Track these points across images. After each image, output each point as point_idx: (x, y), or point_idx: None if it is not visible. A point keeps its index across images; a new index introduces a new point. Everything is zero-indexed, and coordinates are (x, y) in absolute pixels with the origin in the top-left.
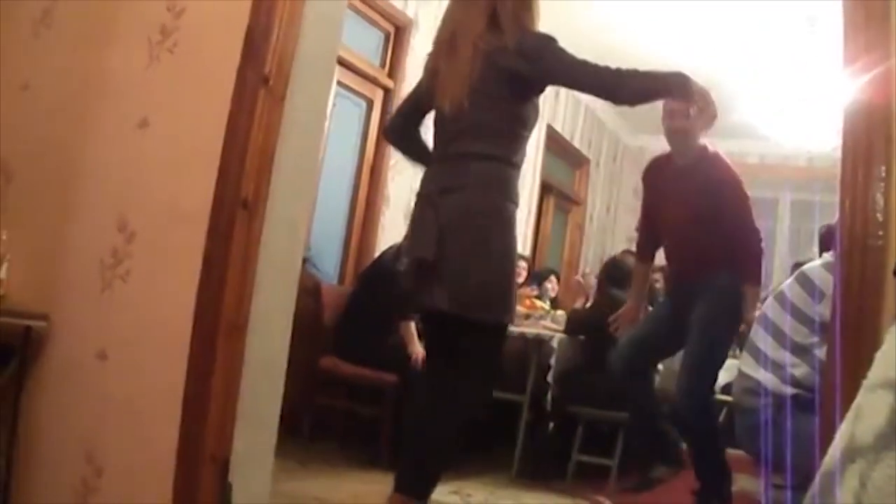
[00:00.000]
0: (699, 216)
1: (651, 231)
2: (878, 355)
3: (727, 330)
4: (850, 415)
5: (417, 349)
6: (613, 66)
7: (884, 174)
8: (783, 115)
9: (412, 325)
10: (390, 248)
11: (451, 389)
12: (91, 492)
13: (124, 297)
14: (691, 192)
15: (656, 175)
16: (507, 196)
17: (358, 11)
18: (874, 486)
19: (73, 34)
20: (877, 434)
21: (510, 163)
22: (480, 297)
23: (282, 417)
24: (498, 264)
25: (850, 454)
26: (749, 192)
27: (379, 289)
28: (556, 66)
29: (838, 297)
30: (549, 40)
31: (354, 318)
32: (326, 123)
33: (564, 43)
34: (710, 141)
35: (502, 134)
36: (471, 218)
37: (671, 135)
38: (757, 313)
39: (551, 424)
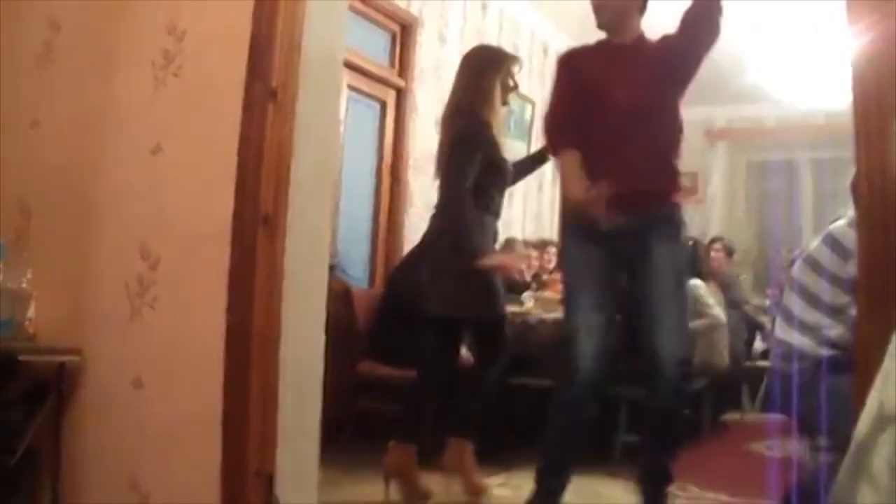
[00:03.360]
0: (654, 104)
1: (576, 121)
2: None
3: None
4: (877, 382)
5: None
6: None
7: None
8: (794, 75)
9: None
10: (416, 246)
11: None
12: None
13: (154, 324)
14: (640, 72)
15: (585, 58)
16: None
17: (362, 14)
18: None
19: (76, 66)
20: None
21: None
22: None
23: (322, 426)
24: None
25: (881, 422)
26: (770, 156)
27: (408, 289)
28: None
29: (863, 257)
30: None
31: (388, 321)
32: (341, 128)
33: None
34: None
35: None
36: None
37: (602, 10)
38: (788, 277)
39: None
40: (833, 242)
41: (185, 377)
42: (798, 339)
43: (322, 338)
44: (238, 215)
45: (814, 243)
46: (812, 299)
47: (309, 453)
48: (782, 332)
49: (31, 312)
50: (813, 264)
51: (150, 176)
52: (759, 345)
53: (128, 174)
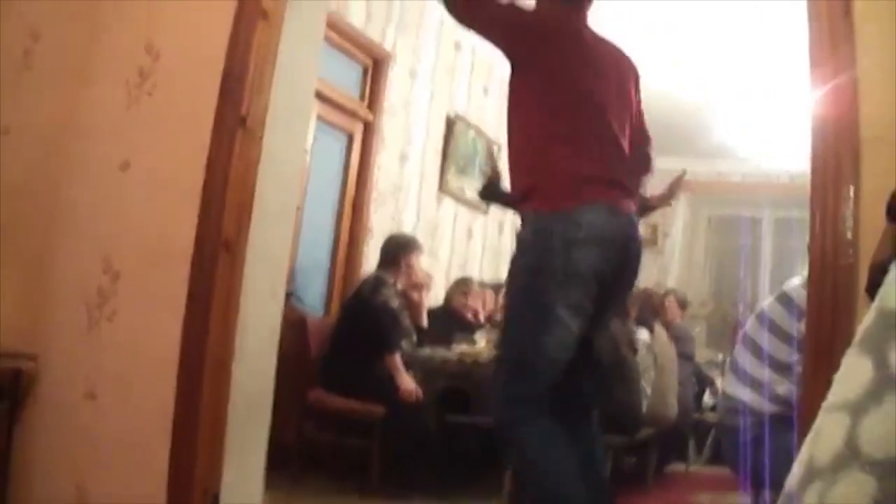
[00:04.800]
0: (627, 103)
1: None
2: (836, 377)
3: None
4: (809, 437)
5: (406, 381)
6: None
7: (853, 193)
8: (760, 135)
9: (397, 356)
10: (368, 278)
11: None
12: None
13: (111, 337)
14: (612, 64)
15: (566, 22)
16: None
17: (336, 45)
18: None
19: (53, 76)
20: (834, 455)
21: None
22: None
23: (270, 451)
24: None
25: (810, 475)
26: (732, 212)
27: (361, 320)
28: None
29: (811, 317)
30: None
31: (339, 350)
32: (307, 158)
33: None
34: (693, 162)
35: None
36: None
37: None
38: (740, 333)
39: None
40: (786, 300)
41: (138, 392)
42: (747, 395)
43: (274, 362)
44: (200, 238)
45: (767, 301)
46: (762, 355)
47: (255, 473)
48: (731, 386)
49: None
50: (765, 321)
51: (117, 191)
52: (707, 398)
53: (95, 188)
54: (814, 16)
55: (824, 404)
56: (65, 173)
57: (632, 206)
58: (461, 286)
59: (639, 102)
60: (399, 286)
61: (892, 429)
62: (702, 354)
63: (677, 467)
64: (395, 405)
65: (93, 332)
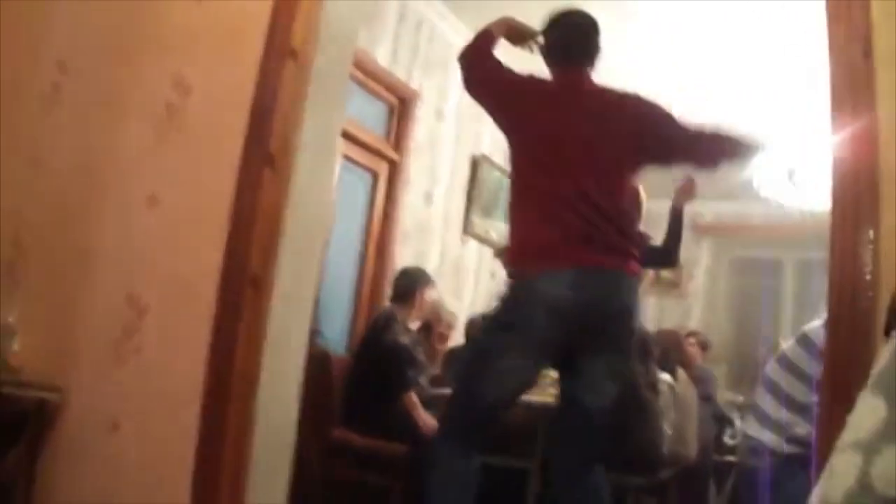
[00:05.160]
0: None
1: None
2: (850, 417)
3: None
4: (823, 475)
5: (425, 417)
6: None
7: (872, 235)
8: (784, 176)
9: (413, 394)
10: (380, 314)
11: None
12: None
13: (136, 371)
14: (599, 115)
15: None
16: None
17: (362, 84)
18: None
19: (82, 110)
20: (847, 493)
21: None
22: None
23: (294, 489)
24: None
25: None
26: (754, 253)
27: (373, 359)
28: None
29: (829, 357)
30: None
31: (357, 389)
32: (333, 197)
33: None
34: (713, 205)
35: None
36: None
37: None
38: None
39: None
40: (806, 341)
41: (162, 425)
42: (767, 436)
43: (297, 398)
44: (226, 274)
45: (788, 342)
46: (782, 397)
47: None
48: (752, 428)
49: (15, 346)
50: (785, 363)
51: (143, 226)
52: (728, 439)
53: (123, 222)
54: (835, 57)
55: (838, 443)
56: (93, 206)
57: (617, 262)
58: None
59: (654, 140)
60: (413, 321)
61: None
62: (722, 396)
63: None
64: (417, 444)
65: (118, 365)
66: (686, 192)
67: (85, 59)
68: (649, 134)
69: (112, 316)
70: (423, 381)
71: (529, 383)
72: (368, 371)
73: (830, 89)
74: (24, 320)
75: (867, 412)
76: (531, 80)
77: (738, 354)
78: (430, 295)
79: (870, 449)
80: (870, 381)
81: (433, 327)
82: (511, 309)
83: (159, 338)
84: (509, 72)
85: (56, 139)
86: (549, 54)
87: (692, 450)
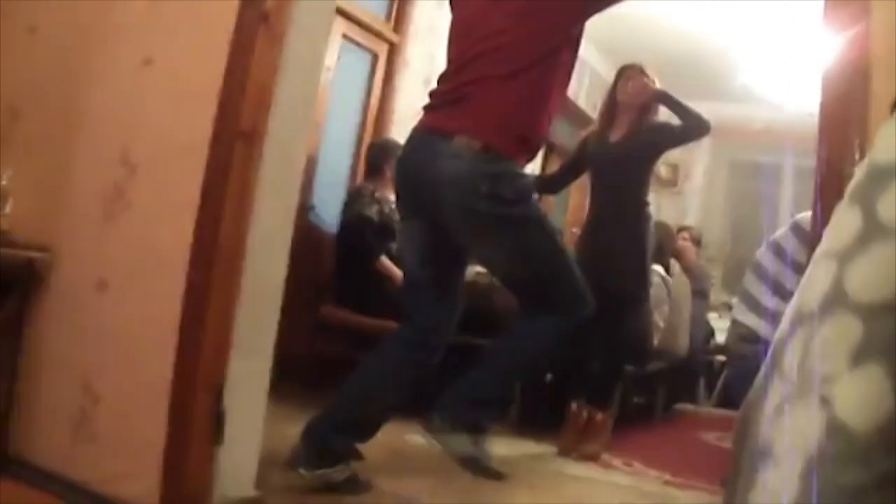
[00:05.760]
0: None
1: None
2: (826, 231)
3: None
4: (799, 286)
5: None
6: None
7: (860, 129)
8: (786, 80)
9: (385, 260)
10: (351, 191)
11: None
12: (88, 420)
13: (125, 229)
14: None
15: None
16: None
17: None
18: (817, 348)
19: None
20: (821, 299)
21: None
22: None
23: (282, 365)
24: None
25: (798, 320)
26: (754, 157)
27: (345, 236)
28: None
29: (815, 231)
30: None
31: (340, 266)
32: (331, 75)
33: None
34: (714, 106)
35: None
36: None
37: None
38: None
39: (549, 375)
40: (798, 230)
41: (148, 284)
42: (756, 322)
43: (286, 259)
44: (218, 129)
45: (780, 230)
46: (773, 284)
47: (261, 370)
48: (742, 314)
49: (7, 209)
50: (777, 250)
51: (138, 87)
52: (720, 339)
53: (117, 84)
54: None
55: (814, 256)
56: (88, 69)
57: (446, 122)
58: None
59: None
60: (387, 191)
61: (878, 272)
62: (718, 297)
63: (687, 408)
64: None
65: (107, 224)
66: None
67: None
68: None
69: (103, 174)
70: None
71: (434, 249)
72: (344, 247)
73: None
74: (17, 182)
75: (842, 223)
76: None
77: (734, 256)
78: None
79: (844, 256)
80: (846, 194)
81: None
82: None
83: (149, 196)
84: None
85: (53, 7)
86: None
87: (683, 345)
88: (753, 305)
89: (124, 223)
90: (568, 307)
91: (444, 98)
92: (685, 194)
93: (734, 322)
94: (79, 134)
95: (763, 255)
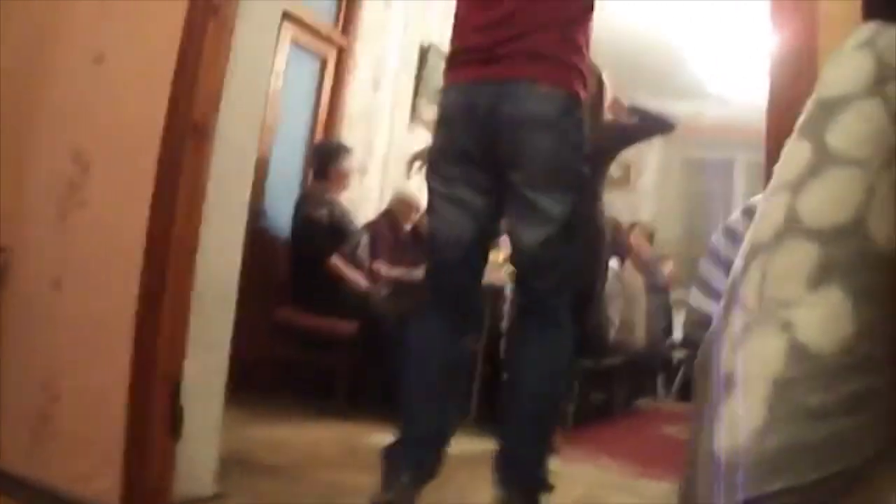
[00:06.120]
0: None
1: None
2: (776, 167)
3: None
4: (752, 224)
5: (354, 275)
6: None
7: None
8: (734, 72)
9: (336, 260)
10: (304, 193)
11: None
12: (47, 418)
13: (79, 226)
14: None
15: None
16: None
17: None
18: (774, 276)
19: None
20: (775, 229)
21: None
22: None
23: (237, 370)
24: None
25: (753, 253)
26: (705, 154)
27: (295, 237)
28: None
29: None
30: None
31: (294, 268)
32: (281, 81)
33: None
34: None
35: None
36: None
37: None
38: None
39: (505, 374)
40: (750, 213)
41: (104, 280)
42: (712, 307)
43: (240, 253)
44: (170, 123)
45: (733, 215)
46: (728, 268)
47: (217, 365)
48: (697, 300)
49: None
50: (730, 234)
51: (90, 84)
52: (677, 334)
53: (70, 82)
54: None
55: (764, 193)
56: (41, 67)
57: (502, 72)
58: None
59: None
60: (334, 193)
61: (832, 197)
62: (674, 294)
63: (647, 403)
64: (365, 323)
65: (62, 222)
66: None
67: None
68: None
69: (57, 173)
70: (360, 249)
71: (481, 217)
72: (296, 250)
73: None
74: None
75: (793, 157)
76: None
77: (689, 254)
78: (347, 165)
79: (797, 186)
80: (795, 129)
81: (396, 212)
82: (435, 130)
83: (103, 193)
84: None
85: (7, 9)
86: None
87: (639, 339)
88: (709, 291)
89: (79, 221)
90: (569, 312)
91: (500, 49)
92: (638, 192)
93: (690, 309)
94: (32, 132)
95: (717, 240)
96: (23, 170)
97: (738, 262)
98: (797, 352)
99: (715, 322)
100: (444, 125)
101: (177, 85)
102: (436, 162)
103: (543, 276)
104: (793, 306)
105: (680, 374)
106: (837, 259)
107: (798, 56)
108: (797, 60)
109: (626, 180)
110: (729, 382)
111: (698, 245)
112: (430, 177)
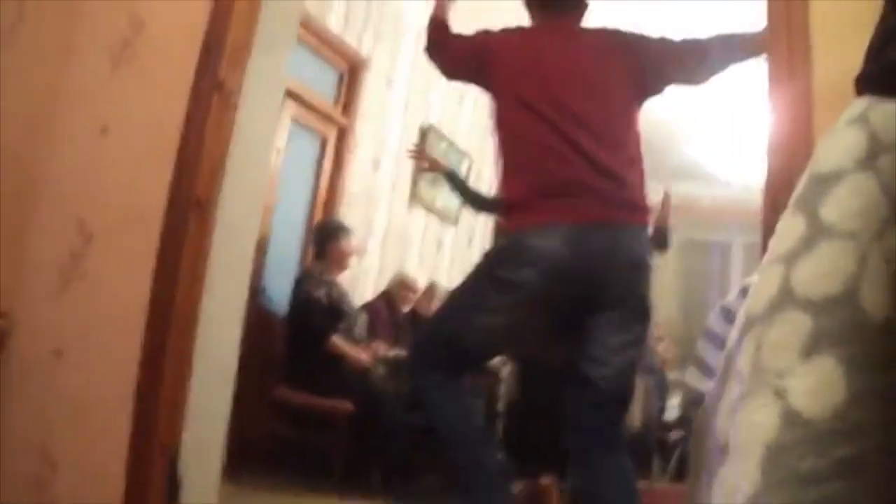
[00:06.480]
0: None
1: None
2: (770, 242)
3: None
4: (748, 296)
5: (355, 354)
6: None
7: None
8: (732, 154)
9: (335, 340)
10: (299, 274)
11: None
12: (45, 486)
13: (81, 296)
14: (584, 58)
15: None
16: None
17: (314, 50)
18: (768, 346)
19: (38, 47)
20: (770, 301)
21: None
22: None
23: (235, 447)
24: None
25: (748, 324)
26: (702, 236)
27: (294, 316)
28: None
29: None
30: None
31: (291, 348)
32: (282, 158)
33: None
34: (662, 183)
35: None
36: None
37: None
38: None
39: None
40: (748, 293)
41: (105, 351)
42: (709, 387)
43: (240, 327)
44: (173, 197)
45: (731, 296)
46: (724, 348)
47: (215, 437)
48: (694, 379)
49: None
50: (727, 315)
51: (94, 155)
52: (673, 414)
53: (75, 152)
54: (773, 27)
55: (759, 267)
56: (45, 138)
57: (613, 213)
58: (428, 291)
59: (648, 60)
60: (333, 273)
61: (824, 269)
62: (670, 375)
63: (642, 484)
64: (364, 402)
65: (63, 291)
66: (665, 208)
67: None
68: (643, 54)
69: (59, 242)
70: (358, 330)
71: (516, 343)
72: (294, 329)
73: (767, 59)
74: None
75: (788, 230)
76: (507, 34)
77: (684, 334)
78: (346, 246)
79: (790, 259)
80: (790, 204)
81: (394, 293)
82: (500, 264)
83: (105, 264)
84: (476, 36)
85: (12, 77)
86: (531, 5)
87: (635, 419)
88: (706, 371)
89: (80, 291)
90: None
91: (595, 187)
92: None
93: (687, 389)
94: (36, 201)
95: (714, 320)
96: (26, 238)
97: (733, 334)
98: (790, 418)
99: (711, 392)
100: (524, 267)
101: (181, 158)
102: (492, 292)
103: (623, 403)
104: (786, 375)
105: (676, 454)
106: (830, 329)
107: (794, 135)
108: (793, 140)
109: None
110: (725, 450)
111: (694, 325)
112: (487, 285)
